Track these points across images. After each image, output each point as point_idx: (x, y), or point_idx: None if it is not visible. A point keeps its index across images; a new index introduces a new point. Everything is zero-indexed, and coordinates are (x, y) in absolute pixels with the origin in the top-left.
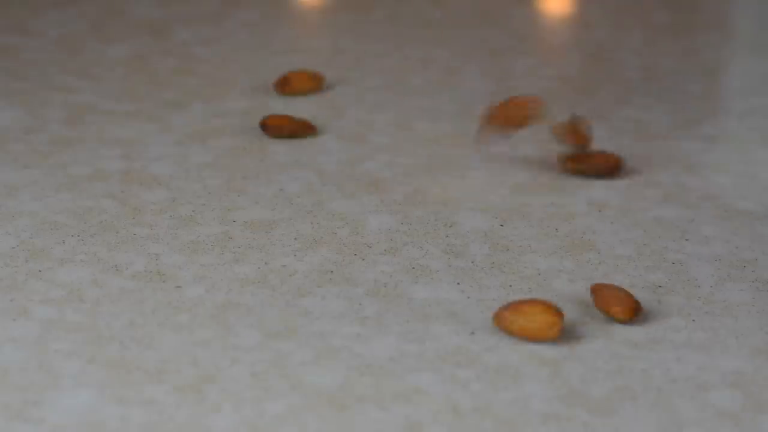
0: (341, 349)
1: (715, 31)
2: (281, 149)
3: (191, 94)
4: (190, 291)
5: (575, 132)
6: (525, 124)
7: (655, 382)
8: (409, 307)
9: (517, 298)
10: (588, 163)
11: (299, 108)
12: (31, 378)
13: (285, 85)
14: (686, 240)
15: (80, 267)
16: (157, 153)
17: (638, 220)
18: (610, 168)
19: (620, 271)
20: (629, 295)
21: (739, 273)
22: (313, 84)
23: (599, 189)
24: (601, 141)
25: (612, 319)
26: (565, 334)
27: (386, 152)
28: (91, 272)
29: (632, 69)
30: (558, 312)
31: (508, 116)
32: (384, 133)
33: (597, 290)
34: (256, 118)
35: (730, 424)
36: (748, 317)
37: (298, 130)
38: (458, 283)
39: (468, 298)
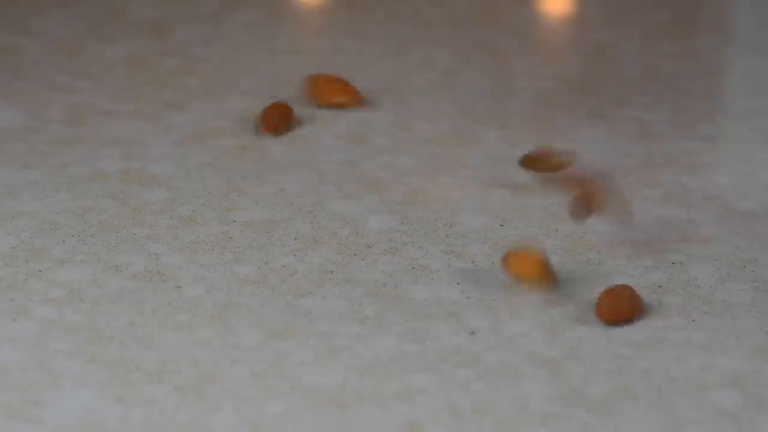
0: (341, 349)
1: (715, 32)
2: (281, 149)
3: (191, 94)
4: (190, 291)
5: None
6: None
7: (655, 382)
8: (409, 307)
9: (518, 298)
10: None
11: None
12: (31, 378)
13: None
14: (686, 240)
15: (80, 267)
16: (157, 153)
17: (638, 220)
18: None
19: (620, 271)
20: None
21: (739, 273)
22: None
23: None
24: (601, 141)
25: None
26: (565, 334)
27: (386, 152)
28: (91, 272)
29: (632, 69)
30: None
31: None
32: (384, 134)
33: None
34: (256, 118)
35: (730, 424)
36: (748, 317)
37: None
38: (458, 283)
39: (468, 298)
